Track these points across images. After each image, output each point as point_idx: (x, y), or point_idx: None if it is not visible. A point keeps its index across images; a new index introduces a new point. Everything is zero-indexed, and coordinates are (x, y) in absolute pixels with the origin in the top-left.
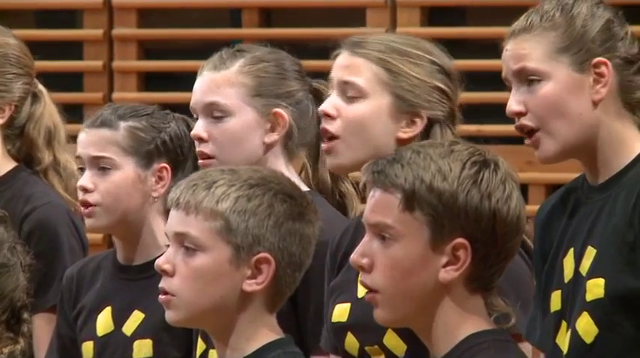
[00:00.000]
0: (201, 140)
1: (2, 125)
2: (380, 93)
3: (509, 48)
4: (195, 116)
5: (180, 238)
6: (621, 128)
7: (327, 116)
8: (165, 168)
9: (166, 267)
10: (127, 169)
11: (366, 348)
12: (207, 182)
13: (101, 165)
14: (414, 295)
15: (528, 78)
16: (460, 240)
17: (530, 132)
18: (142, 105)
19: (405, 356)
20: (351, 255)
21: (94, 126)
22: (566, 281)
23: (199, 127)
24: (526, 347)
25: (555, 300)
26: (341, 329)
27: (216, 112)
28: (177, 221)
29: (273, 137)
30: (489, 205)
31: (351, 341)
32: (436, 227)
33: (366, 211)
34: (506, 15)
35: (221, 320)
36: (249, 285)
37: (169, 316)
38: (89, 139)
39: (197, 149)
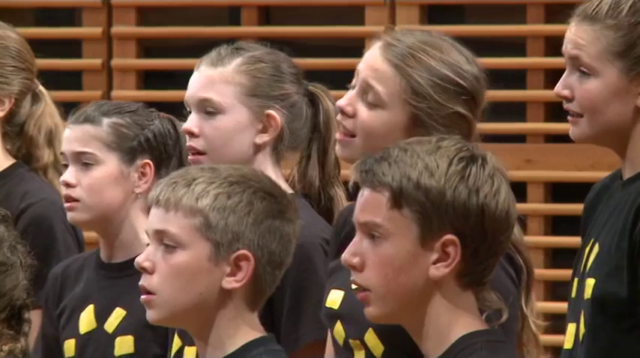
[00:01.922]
0: (191, 135)
1: (2, 119)
2: (399, 108)
3: (572, 30)
4: (187, 109)
5: (160, 235)
6: None
7: (343, 112)
8: (149, 165)
9: (146, 264)
10: (109, 165)
11: (350, 341)
12: (187, 179)
13: (84, 161)
14: (405, 292)
15: (580, 68)
16: (449, 236)
17: (576, 114)
18: (126, 102)
19: (382, 357)
20: (342, 255)
21: (77, 123)
22: (581, 271)
23: (191, 122)
24: None
25: (574, 288)
26: (332, 316)
27: (209, 108)
28: (157, 218)
29: (264, 138)
30: (477, 200)
31: (339, 330)
32: (425, 224)
33: (356, 211)
34: (505, 13)
35: (201, 318)
36: (229, 282)
37: (150, 315)
38: (73, 135)
39: (187, 143)
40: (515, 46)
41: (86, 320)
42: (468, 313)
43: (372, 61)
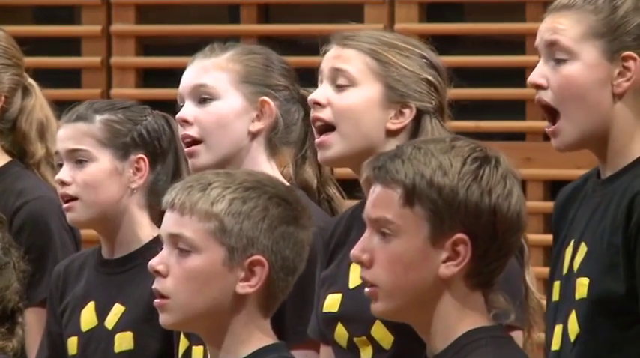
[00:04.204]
0: (186, 122)
1: None
2: (370, 82)
3: (547, 20)
4: (181, 104)
5: (175, 239)
6: (634, 125)
7: (317, 104)
8: (143, 159)
9: (160, 268)
10: (103, 161)
11: (355, 339)
12: (203, 184)
13: (78, 158)
14: (413, 290)
15: (557, 55)
16: (460, 235)
17: (547, 108)
18: (119, 100)
19: (392, 347)
20: (352, 251)
21: (70, 121)
22: (563, 273)
23: (185, 110)
24: (517, 336)
25: (555, 291)
26: (332, 319)
27: (203, 95)
28: (171, 222)
29: (259, 126)
30: (490, 201)
31: (341, 332)
32: (436, 222)
33: (367, 206)
34: (504, 11)
35: (214, 322)
36: (242, 288)
37: (164, 319)
38: (66, 134)
39: (182, 132)
40: (515, 44)
41: (87, 317)
42: (475, 312)
43: (333, 53)
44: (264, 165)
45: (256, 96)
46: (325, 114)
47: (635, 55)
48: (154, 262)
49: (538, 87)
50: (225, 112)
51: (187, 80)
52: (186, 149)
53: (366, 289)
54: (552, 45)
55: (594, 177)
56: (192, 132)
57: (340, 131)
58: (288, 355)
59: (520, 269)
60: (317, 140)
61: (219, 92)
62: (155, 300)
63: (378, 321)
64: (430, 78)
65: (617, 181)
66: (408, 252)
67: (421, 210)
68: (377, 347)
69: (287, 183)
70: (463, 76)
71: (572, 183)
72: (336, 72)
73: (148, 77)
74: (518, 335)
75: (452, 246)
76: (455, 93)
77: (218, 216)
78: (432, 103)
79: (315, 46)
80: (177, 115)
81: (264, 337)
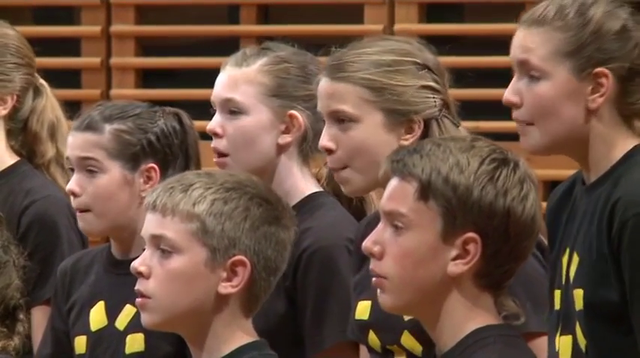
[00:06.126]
0: (215, 135)
1: (5, 117)
2: (370, 112)
3: (519, 35)
4: (214, 108)
5: (157, 240)
6: (612, 135)
7: (329, 151)
8: (154, 168)
9: (142, 269)
10: (113, 172)
11: (388, 347)
12: (184, 185)
13: (88, 167)
14: (421, 285)
15: (529, 72)
16: (471, 234)
17: (526, 122)
18: (132, 104)
19: (423, 355)
20: (364, 242)
21: (80, 130)
22: (563, 282)
23: (215, 122)
24: (540, 345)
25: (557, 299)
26: (363, 326)
27: (232, 108)
28: (153, 223)
29: (287, 139)
30: (504, 203)
31: (373, 339)
32: (449, 219)
33: (383, 199)
34: (504, 11)
35: (196, 322)
36: (225, 288)
37: (145, 319)
38: (76, 142)
39: (212, 145)
40: None
41: (97, 317)
42: (485, 311)
43: (325, 90)
44: (297, 173)
45: (285, 109)
46: (338, 158)
47: (606, 72)
48: (136, 263)
49: (513, 105)
50: (252, 127)
51: (218, 90)
52: (215, 160)
53: (374, 279)
54: (523, 64)
55: (580, 183)
56: (220, 145)
57: (355, 168)
58: (269, 352)
59: (544, 273)
60: (335, 177)
61: (247, 107)
62: (137, 300)
63: (406, 331)
64: (426, 82)
65: (599, 188)
66: (418, 246)
67: (435, 206)
68: (410, 355)
69: (319, 189)
70: (463, 76)
71: (562, 185)
72: (335, 113)
73: (148, 78)
74: (544, 341)
75: (462, 244)
76: (454, 93)
77: (200, 216)
78: (435, 106)
79: (315, 46)
80: (208, 127)
81: (245, 336)
